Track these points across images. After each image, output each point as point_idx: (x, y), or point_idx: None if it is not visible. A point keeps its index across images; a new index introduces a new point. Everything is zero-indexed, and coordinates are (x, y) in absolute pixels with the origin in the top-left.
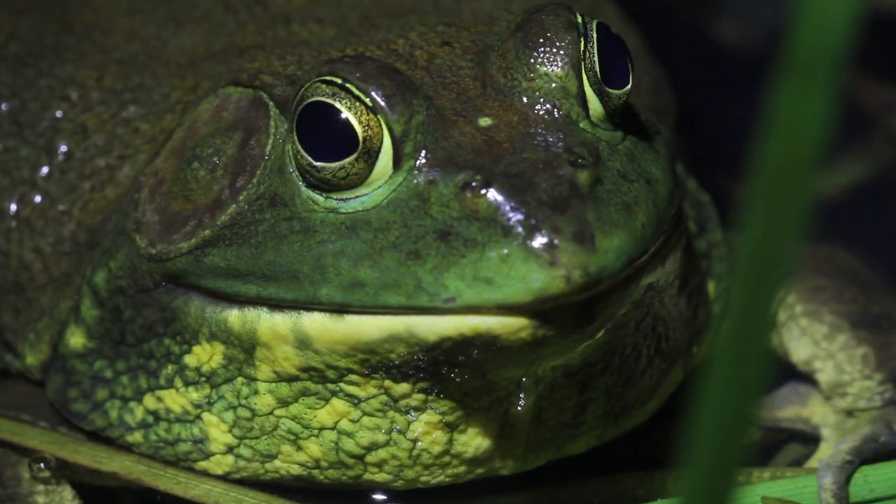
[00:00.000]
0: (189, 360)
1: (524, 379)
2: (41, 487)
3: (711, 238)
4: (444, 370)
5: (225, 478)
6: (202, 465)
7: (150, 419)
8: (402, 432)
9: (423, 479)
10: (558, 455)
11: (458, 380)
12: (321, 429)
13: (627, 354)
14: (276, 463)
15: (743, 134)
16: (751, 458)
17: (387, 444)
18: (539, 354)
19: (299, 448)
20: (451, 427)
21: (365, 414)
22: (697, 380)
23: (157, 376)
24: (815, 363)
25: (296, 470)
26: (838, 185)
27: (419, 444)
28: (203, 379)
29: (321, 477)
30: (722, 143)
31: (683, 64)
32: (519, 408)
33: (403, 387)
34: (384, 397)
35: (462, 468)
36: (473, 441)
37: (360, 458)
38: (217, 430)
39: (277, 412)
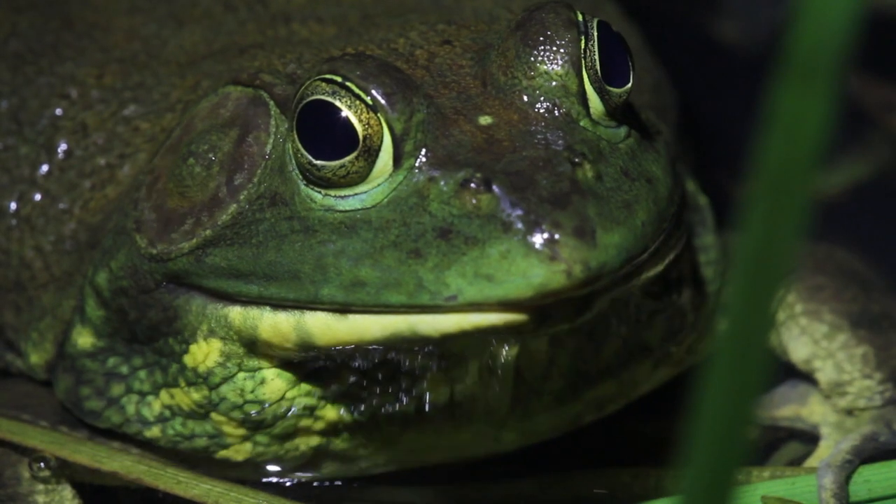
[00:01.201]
0: (187, 359)
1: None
2: (41, 487)
3: (703, 241)
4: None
5: (244, 464)
6: (223, 453)
7: (168, 413)
8: (408, 391)
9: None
10: (540, 427)
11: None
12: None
13: (597, 325)
14: (296, 441)
15: (743, 133)
16: (750, 457)
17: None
18: (535, 339)
19: (316, 419)
20: (452, 381)
21: (372, 381)
22: (697, 379)
23: (167, 373)
24: (815, 362)
25: (314, 441)
26: (838, 185)
27: (427, 396)
28: (200, 380)
29: (338, 441)
30: (722, 142)
31: (683, 63)
32: (502, 360)
33: (408, 363)
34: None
35: (462, 419)
36: (468, 391)
37: (373, 415)
38: (229, 427)
39: (289, 394)
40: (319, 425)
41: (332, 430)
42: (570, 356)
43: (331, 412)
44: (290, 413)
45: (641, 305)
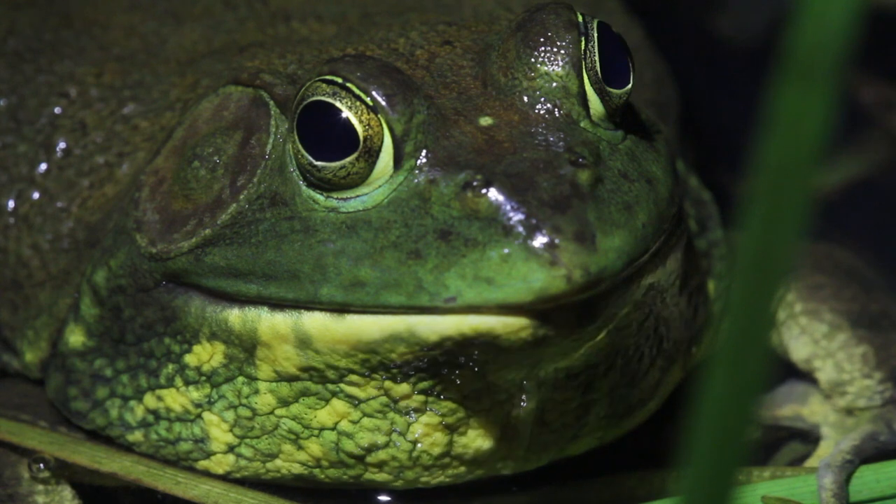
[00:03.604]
0: (189, 359)
1: (526, 381)
2: (41, 487)
3: (712, 236)
4: (444, 371)
5: (225, 477)
6: (203, 464)
7: (151, 418)
8: (401, 434)
9: (424, 479)
10: (559, 456)
11: (458, 381)
12: (321, 429)
13: (630, 355)
14: (278, 462)
15: (743, 130)
16: (751, 457)
17: (386, 445)
18: (540, 355)
19: (300, 447)
20: (451, 429)
21: (365, 415)
22: (697, 379)
23: (158, 375)
24: (815, 362)
25: (297, 469)
26: (837, 183)
27: (419, 445)
28: (203, 378)
29: (322, 476)
30: (722, 140)
31: (684, 60)
32: (521, 410)
33: (403, 388)
34: (384, 398)
35: (462, 469)
36: (474, 443)
37: (361, 458)
38: (218, 430)
39: (278, 412)
40: (303, 456)
41: (316, 464)
42: (607, 399)
43: (315, 447)
44: (276, 430)
45: (662, 315)
